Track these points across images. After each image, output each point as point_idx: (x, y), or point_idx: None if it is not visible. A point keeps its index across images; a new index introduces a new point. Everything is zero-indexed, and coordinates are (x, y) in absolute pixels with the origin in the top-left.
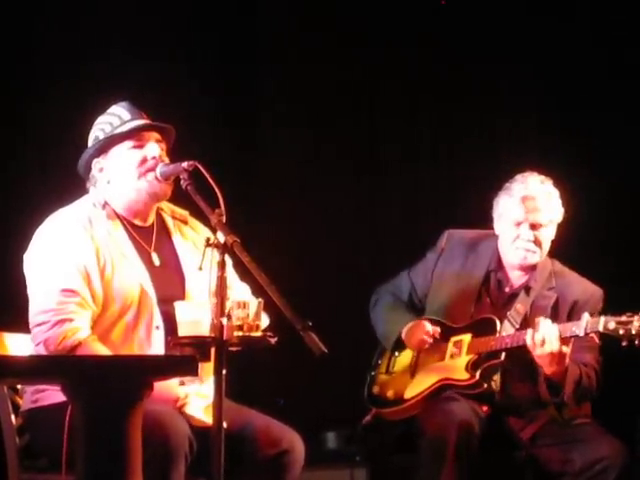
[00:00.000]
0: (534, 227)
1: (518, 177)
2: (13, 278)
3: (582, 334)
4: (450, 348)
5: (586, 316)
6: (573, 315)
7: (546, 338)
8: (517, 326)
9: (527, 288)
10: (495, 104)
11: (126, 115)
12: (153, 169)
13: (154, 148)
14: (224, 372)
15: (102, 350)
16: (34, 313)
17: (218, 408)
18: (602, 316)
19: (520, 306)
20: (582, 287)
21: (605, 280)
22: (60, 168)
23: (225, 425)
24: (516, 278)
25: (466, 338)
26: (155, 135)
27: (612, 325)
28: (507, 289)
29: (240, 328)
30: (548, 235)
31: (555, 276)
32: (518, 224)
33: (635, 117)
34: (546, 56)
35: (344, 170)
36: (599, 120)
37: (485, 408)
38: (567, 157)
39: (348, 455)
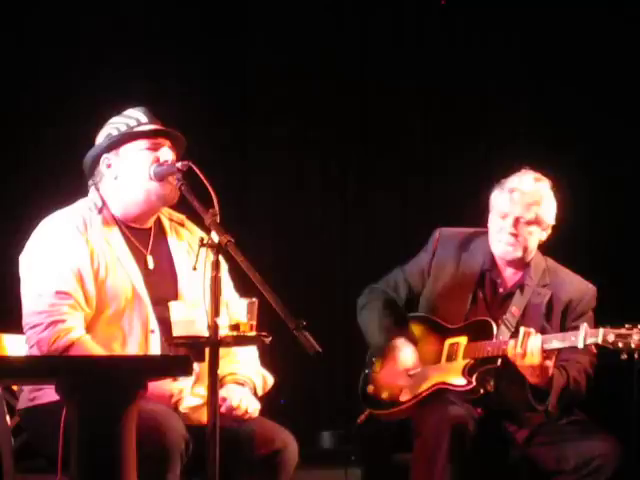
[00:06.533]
0: (518, 221)
1: (515, 173)
2: (10, 280)
3: (581, 346)
4: (446, 350)
5: (584, 327)
6: (567, 314)
7: (527, 351)
8: (513, 329)
9: (522, 287)
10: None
11: (144, 118)
12: None
13: (167, 152)
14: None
15: (96, 349)
16: (27, 314)
17: (213, 408)
18: (601, 328)
19: (515, 309)
20: (576, 285)
21: (596, 278)
22: (59, 170)
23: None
24: (510, 277)
25: (462, 341)
26: (168, 142)
27: (612, 338)
28: (501, 289)
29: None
30: (534, 234)
31: (549, 273)
32: (504, 216)
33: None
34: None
35: (335, 173)
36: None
37: (479, 410)
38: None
39: (343, 455)
